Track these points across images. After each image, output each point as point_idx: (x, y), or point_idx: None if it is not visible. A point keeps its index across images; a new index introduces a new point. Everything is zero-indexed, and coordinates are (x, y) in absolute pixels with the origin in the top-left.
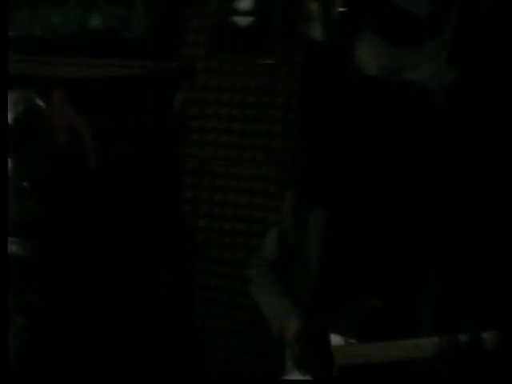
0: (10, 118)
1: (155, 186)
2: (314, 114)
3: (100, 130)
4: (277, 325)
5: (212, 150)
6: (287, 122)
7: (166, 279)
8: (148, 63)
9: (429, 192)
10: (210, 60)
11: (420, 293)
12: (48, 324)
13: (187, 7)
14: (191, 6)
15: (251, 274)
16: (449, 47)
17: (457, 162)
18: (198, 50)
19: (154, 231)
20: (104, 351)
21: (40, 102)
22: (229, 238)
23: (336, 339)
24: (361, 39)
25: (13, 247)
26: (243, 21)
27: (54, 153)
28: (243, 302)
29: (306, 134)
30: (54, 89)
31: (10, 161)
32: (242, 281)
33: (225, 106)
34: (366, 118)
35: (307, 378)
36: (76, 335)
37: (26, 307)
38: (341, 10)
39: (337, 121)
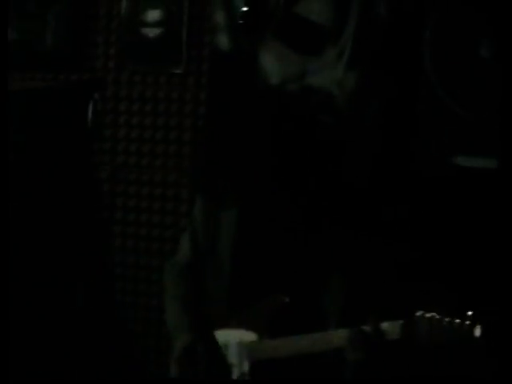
0: None
1: (70, 194)
2: (221, 120)
3: (15, 141)
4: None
5: (124, 157)
6: (196, 129)
7: (82, 286)
8: (61, 76)
9: (332, 192)
10: (120, 71)
11: (326, 288)
12: None
13: (97, 20)
14: (100, 19)
15: (164, 280)
16: (348, 53)
17: (358, 164)
18: (108, 61)
19: (70, 239)
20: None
21: None
22: (144, 243)
23: (249, 336)
24: (264, 47)
25: None
26: (151, 32)
27: None
28: (160, 305)
29: (213, 140)
30: None
31: None
32: (157, 284)
33: (136, 115)
34: (270, 123)
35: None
36: None
37: None
38: (240, 22)
39: (243, 126)
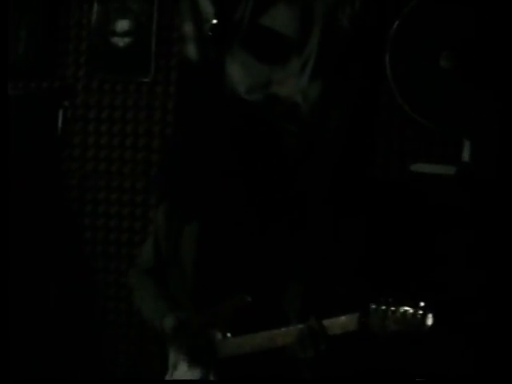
0: None
1: (39, 201)
2: (189, 128)
3: None
4: (157, 323)
5: (94, 164)
6: (164, 137)
7: (54, 291)
8: (32, 84)
9: (292, 199)
10: (90, 79)
11: (285, 289)
12: None
13: (68, 29)
14: (71, 28)
15: (131, 282)
16: (312, 63)
17: (319, 171)
18: (78, 70)
19: (40, 245)
20: None
21: None
22: (113, 248)
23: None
24: (231, 57)
25: None
26: (121, 42)
27: None
28: (129, 308)
29: (179, 148)
30: None
31: None
32: (126, 288)
33: (105, 123)
34: (235, 131)
35: (194, 369)
36: None
37: None
38: (209, 34)
39: (208, 134)
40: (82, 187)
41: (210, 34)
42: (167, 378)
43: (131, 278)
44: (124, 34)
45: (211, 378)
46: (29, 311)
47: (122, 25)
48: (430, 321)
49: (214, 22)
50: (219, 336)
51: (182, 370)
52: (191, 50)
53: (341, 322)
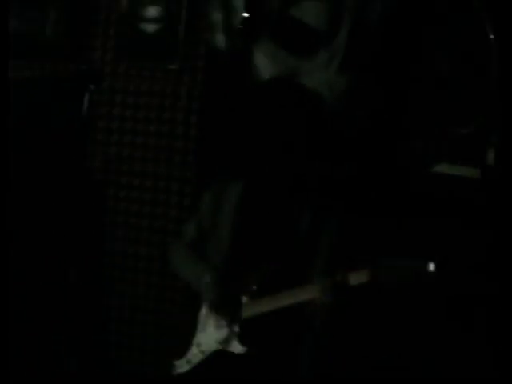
0: None
1: (63, 182)
2: (216, 113)
3: (11, 129)
4: (194, 282)
5: (117, 149)
6: (189, 124)
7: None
8: (59, 65)
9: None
10: (116, 64)
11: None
12: None
13: (96, 13)
14: (100, 12)
15: (170, 251)
16: (340, 57)
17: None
18: (105, 53)
19: (62, 228)
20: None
21: None
22: (133, 232)
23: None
24: (258, 48)
25: None
26: (150, 28)
27: None
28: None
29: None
30: None
31: None
32: (145, 272)
33: (130, 108)
34: (261, 117)
35: (222, 321)
36: None
37: None
38: (239, 26)
39: (237, 120)
40: (104, 171)
41: (240, 27)
42: (194, 341)
43: (171, 249)
44: (153, 21)
45: (235, 338)
46: (46, 297)
47: (152, 11)
48: (432, 267)
49: (245, 15)
50: (245, 299)
51: (209, 331)
52: (219, 40)
53: (356, 275)
